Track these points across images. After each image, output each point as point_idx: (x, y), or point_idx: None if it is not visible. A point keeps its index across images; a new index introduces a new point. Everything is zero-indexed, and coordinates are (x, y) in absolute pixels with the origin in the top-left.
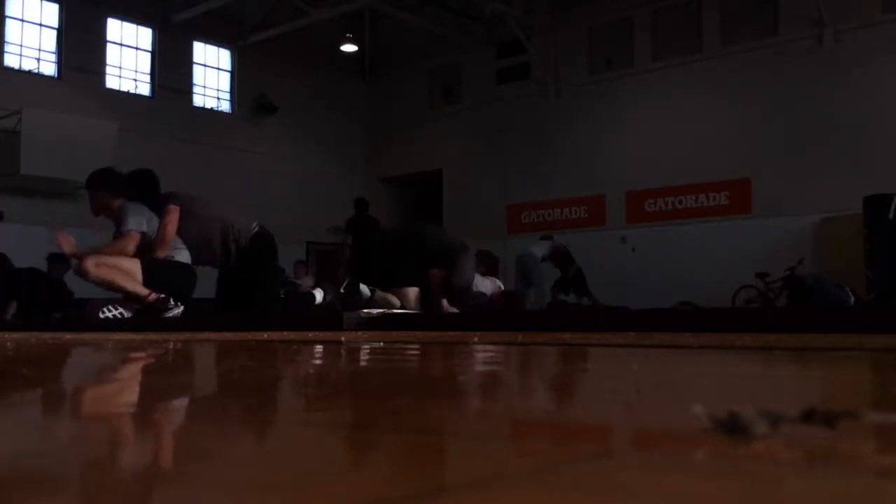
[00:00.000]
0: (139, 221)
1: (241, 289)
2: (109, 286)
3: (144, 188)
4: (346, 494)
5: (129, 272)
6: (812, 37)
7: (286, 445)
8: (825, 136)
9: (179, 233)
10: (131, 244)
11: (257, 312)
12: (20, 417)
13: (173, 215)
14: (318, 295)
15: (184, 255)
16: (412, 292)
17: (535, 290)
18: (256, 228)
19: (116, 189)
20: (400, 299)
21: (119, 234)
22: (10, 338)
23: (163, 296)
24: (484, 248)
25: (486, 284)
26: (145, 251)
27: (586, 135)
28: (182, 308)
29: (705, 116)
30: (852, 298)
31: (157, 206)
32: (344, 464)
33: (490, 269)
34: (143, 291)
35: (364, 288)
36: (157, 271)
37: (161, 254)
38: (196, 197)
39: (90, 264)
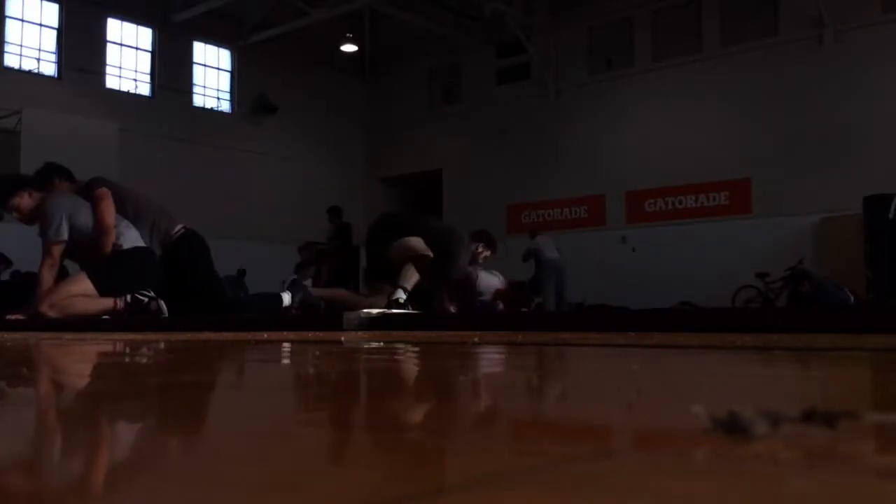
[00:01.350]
0: (58, 228)
1: (172, 291)
2: (75, 315)
3: (55, 171)
4: (345, 494)
5: (84, 293)
6: (812, 37)
7: (285, 445)
8: (825, 136)
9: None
10: (55, 254)
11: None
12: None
13: (107, 200)
14: (286, 298)
15: (132, 236)
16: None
17: (563, 294)
18: (181, 231)
19: (22, 185)
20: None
21: (42, 249)
22: (10, 337)
23: (129, 298)
24: None
25: (491, 281)
26: (93, 250)
27: (586, 135)
28: (156, 297)
29: (705, 116)
30: (852, 298)
31: (85, 190)
32: (343, 463)
33: (492, 250)
34: (108, 304)
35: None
36: (108, 275)
37: (108, 244)
38: (125, 188)
39: (46, 309)
